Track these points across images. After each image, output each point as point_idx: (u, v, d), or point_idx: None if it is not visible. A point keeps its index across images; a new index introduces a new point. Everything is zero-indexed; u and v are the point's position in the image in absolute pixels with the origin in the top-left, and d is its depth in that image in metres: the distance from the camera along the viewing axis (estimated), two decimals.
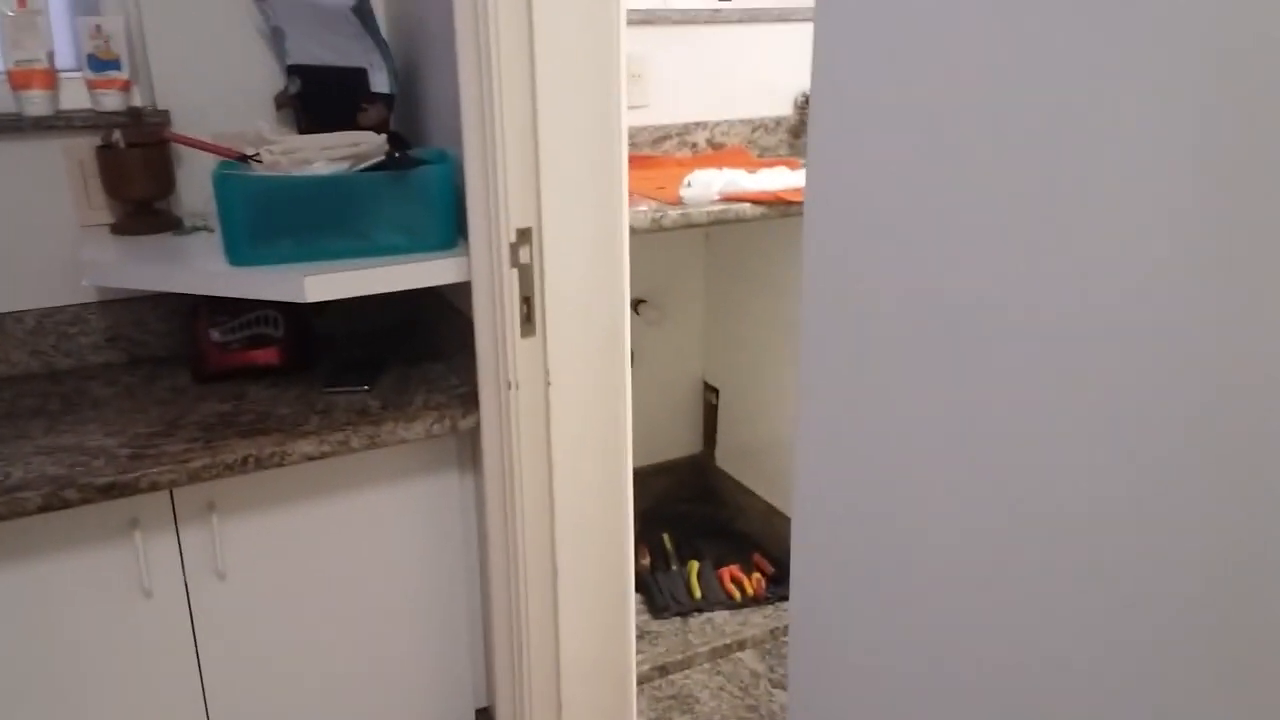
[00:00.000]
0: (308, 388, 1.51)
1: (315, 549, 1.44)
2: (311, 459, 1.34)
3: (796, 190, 1.93)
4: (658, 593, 2.20)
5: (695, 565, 2.28)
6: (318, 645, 1.49)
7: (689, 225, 1.88)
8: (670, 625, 2.13)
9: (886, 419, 0.64)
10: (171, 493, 1.31)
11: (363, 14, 1.44)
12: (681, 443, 2.66)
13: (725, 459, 2.58)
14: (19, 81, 1.47)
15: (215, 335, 1.49)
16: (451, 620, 1.59)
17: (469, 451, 1.52)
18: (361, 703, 1.54)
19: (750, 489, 2.47)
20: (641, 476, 2.55)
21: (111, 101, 1.50)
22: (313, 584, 1.46)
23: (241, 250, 1.32)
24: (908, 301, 0.60)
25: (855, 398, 0.67)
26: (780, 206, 1.91)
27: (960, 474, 0.58)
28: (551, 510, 1.48)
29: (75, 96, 1.52)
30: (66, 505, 1.21)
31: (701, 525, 2.50)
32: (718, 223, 1.90)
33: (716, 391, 2.58)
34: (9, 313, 1.54)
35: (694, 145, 2.40)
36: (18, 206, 1.51)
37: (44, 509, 1.20)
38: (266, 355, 1.52)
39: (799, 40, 2.45)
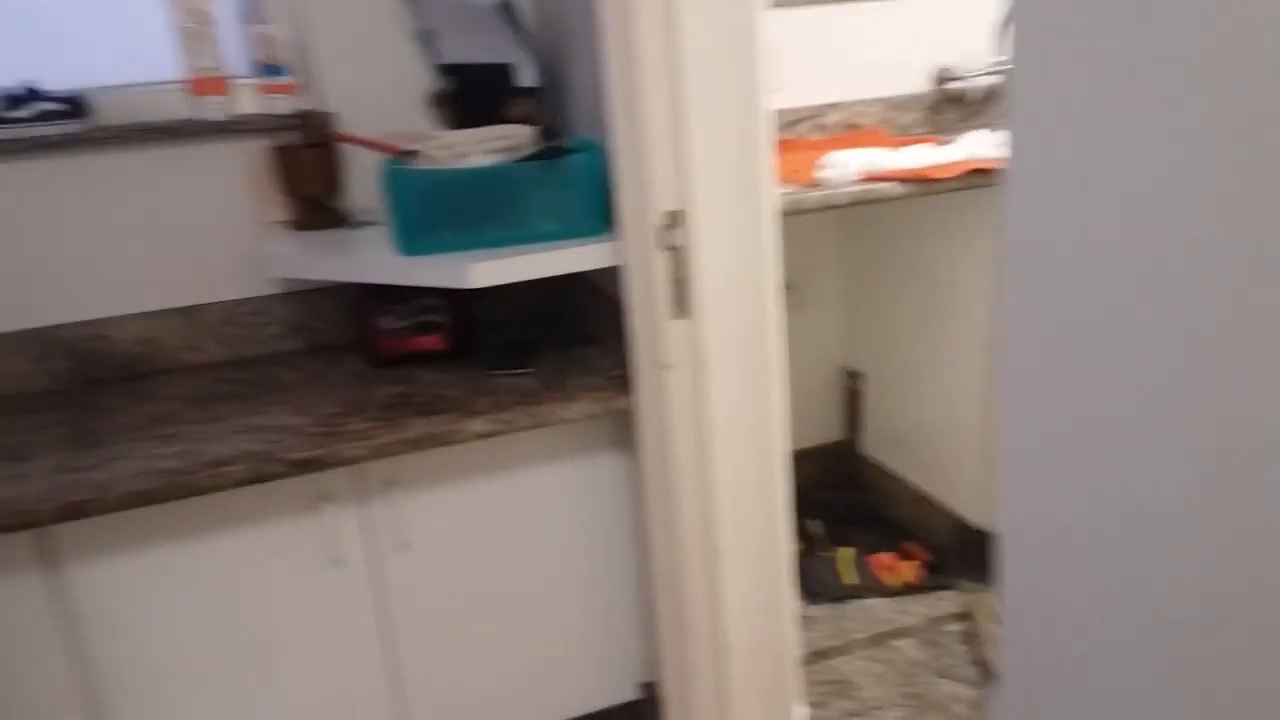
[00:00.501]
0: (472, 371, 1.58)
1: (486, 523, 1.50)
2: (481, 437, 1.39)
3: (940, 167, 1.88)
4: (810, 579, 2.18)
5: (847, 552, 2.25)
6: (491, 614, 1.55)
7: (830, 207, 1.86)
8: (824, 611, 2.11)
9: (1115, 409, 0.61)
10: (357, 468, 1.39)
11: (509, 12, 1.49)
12: (823, 428, 2.62)
13: (871, 445, 2.53)
14: (198, 89, 1.59)
15: (387, 323, 1.57)
16: (615, 595, 1.62)
17: (624, 432, 1.55)
18: (532, 669, 1.60)
19: (899, 475, 2.41)
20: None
21: (282, 105, 1.61)
22: (485, 557, 1.52)
23: (410, 240, 1.38)
24: (1128, 274, 0.58)
25: (1071, 384, 0.64)
26: (924, 184, 1.86)
27: (1198, 468, 0.55)
28: (708, 490, 1.49)
29: (249, 101, 1.64)
30: (268, 478, 1.30)
31: (850, 512, 2.46)
32: (859, 203, 1.87)
33: (858, 376, 2.54)
34: (199, 305, 1.67)
35: (827, 127, 2.37)
36: (202, 206, 1.64)
37: (248, 482, 1.30)
38: (433, 340, 1.60)
39: (935, 15, 2.38)
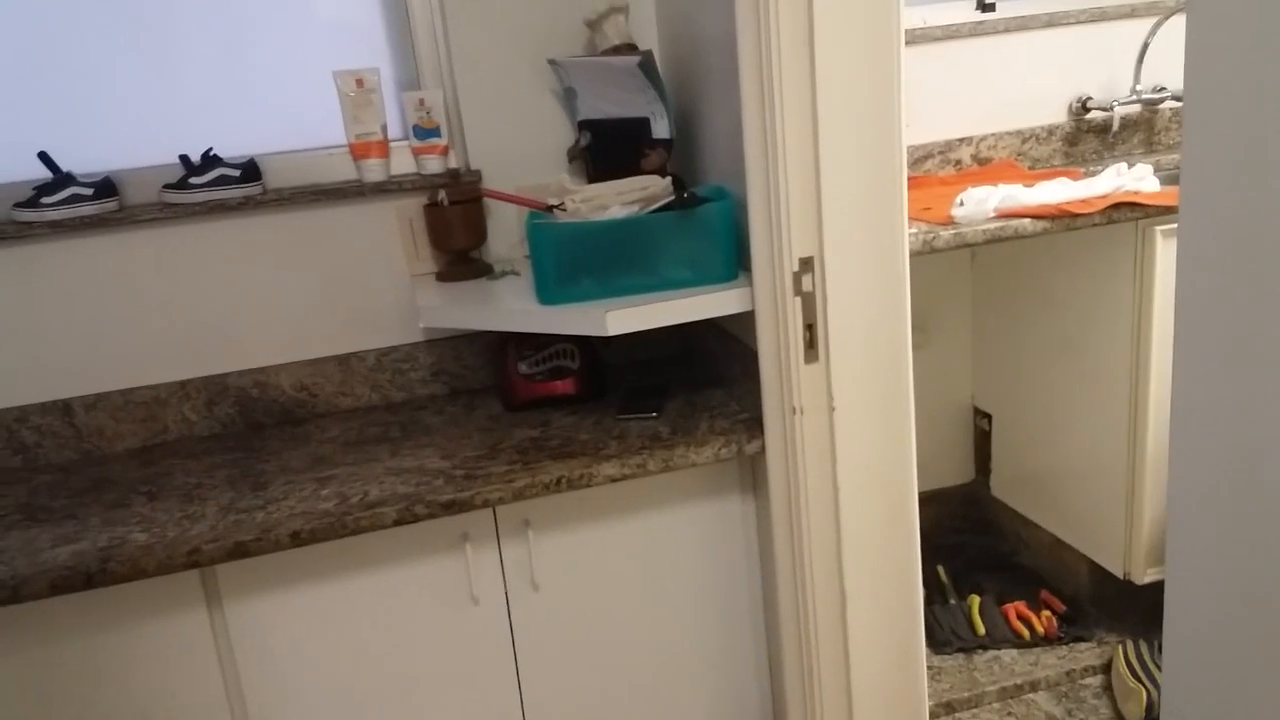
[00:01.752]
0: (602, 415, 1.63)
1: (614, 565, 1.54)
2: (614, 480, 1.44)
3: (1082, 201, 1.83)
4: (937, 627, 2.13)
5: (976, 600, 2.18)
6: (618, 655, 1.58)
7: (963, 245, 1.84)
8: (953, 661, 2.05)
9: None
10: (496, 509, 1.46)
11: (648, 69, 1.55)
12: (952, 470, 2.56)
13: (1002, 488, 2.45)
14: (359, 152, 1.71)
15: (522, 368, 1.65)
16: (739, 640, 1.63)
17: (750, 476, 1.57)
18: (655, 713, 1.62)
19: (1033, 520, 2.33)
20: None
21: (433, 165, 1.72)
22: (610, 598, 1.56)
23: (550, 290, 1.45)
24: None
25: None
26: (1064, 220, 1.81)
27: None
28: (838, 535, 1.48)
29: (402, 162, 1.75)
30: (416, 519, 1.38)
31: (979, 558, 2.39)
32: (994, 240, 1.83)
33: (989, 417, 2.47)
34: (354, 353, 1.79)
35: (958, 162, 2.34)
36: (359, 261, 1.76)
37: (399, 522, 1.38)
38: (566, 386, 1.66)
39: (1069, 44, 2.33)
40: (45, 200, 1.60)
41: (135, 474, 1.61)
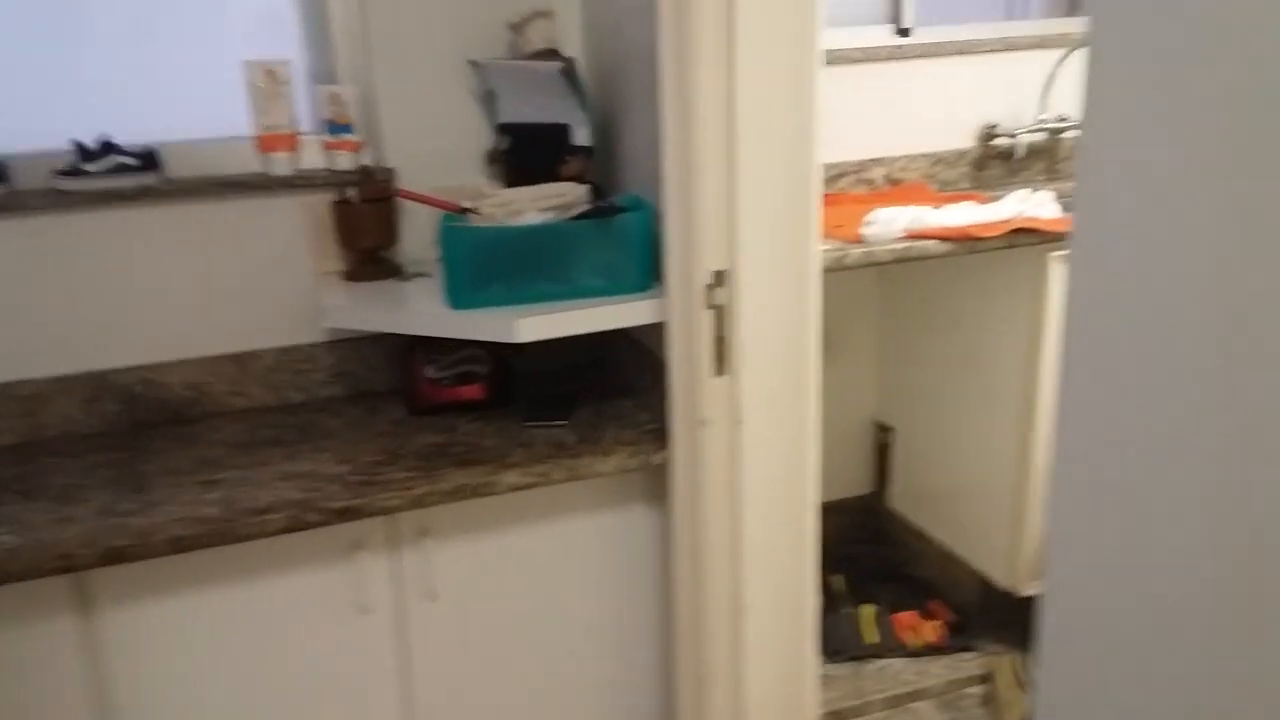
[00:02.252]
0: (509, 422, 1.61)
1: (515, 575, 1.53)
2: (517, 489, 1.42)
3: (985, 226, 1.89)
4: (830, 635, 2.17)
5: (869, 609, 2.24)
6: (516, 665, 1.56)
7: (872, 264, 1.88)
8: (844, 670, 2.10)
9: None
10: (393, 517, 1.42)
11: (570, 76, 1.54)
12: (853, 482, 2.62)
13: (899, 500, 2.53)
14: (267, 145, 1.65)
15: (429, 372, 1.61)
16: (638, 650, 1.63)
17: (656, 486, 1.57)
18: None
19: (926, 533, 2.40)
20: None
21: (345, 161, 1.67)
22: (513, 608, 1.54)
23: (461, 295, 1.42)
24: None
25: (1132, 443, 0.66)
26: (968, 243, 1.88)
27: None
28: (738, 548, 1.50)
29: (313, 157, 1.69)
30: (306, 526, 1.33)
31: (875, 567, 2.46)
32: (902, 260, 1.89)
33: (890, 430, 2.54)
34: (251, 351, 1.72)
35: (871, 182, 2.40)
36: (262, 257, 1.69)
37: (287, 530, 1.33)
38: (473, 391, 1.63)
39: (981, 73, 2.41)
40: None
41: (9, 472, 1.52)
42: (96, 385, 1.66)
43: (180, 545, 1.30)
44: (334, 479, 1.42)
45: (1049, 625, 0.77)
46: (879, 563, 2.48)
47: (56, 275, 1.61)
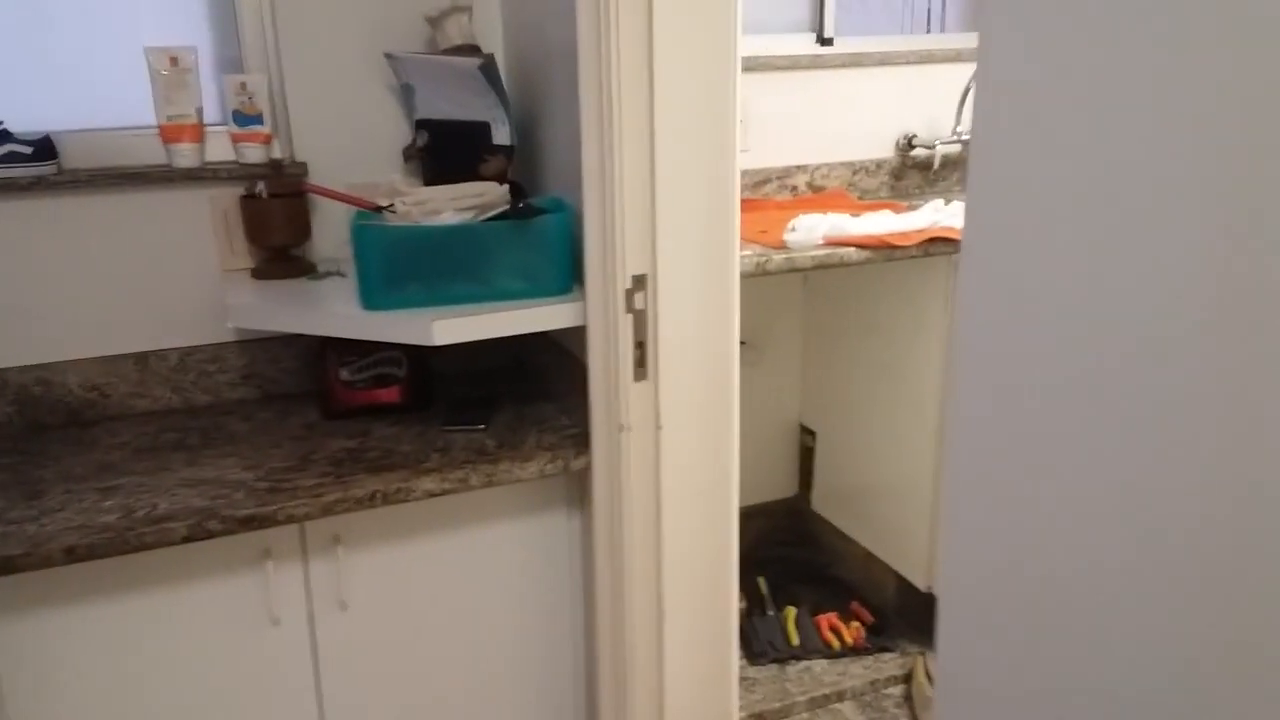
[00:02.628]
0: (427, 426, 1.57)
1: (430, 583, 1.49)
2: (433, 495, 1.39)
3: (901, 234, 1.93)
4: (754, 638, 2.19)
5: (792, 611, 2.26)
6: (430, 676, 1.53)
7: (793, 270, 1.90)
8: (767, 672, 2.11)
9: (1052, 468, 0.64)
10: (303, 525, 1.37)
11: (489, 73, 1.51)
12: (777, 485, 2.64)
13: (822, 503, 2.56)
14: (170, 135, 1.58)
15: (344, 374, 1.56)
16: (558, 656, 1.61)
17: (577, 491, 1.55)
18: None
19: (848, 535, 2.44)
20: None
21: (254, 154, 1.61)
22: (427, 616, 1.50)
23: (375, 296, 1.38)
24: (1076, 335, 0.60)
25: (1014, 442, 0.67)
26: (885, 250, 1.91)
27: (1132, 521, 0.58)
28: (659, 553, 1.49)
29: (220, 149, 1.63)
30: (209, 535, 1.28)
31: (798, 570, 2.48)
32: (822, 266, 1.91)
33: (812, 434, 2.57)
34: (154, 351, 1.64)
35: (794, 188, 2.42)
36: (166, 252, 1.62)
37: (188, 539, 1.27)
38: (390, 394, 1.59)
39: (901, 83, 2.46)
40: None
41: None
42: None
43: (75, 555, 1.23)
44: (240, 485, 1.36)
45: (944, 621, 0.78)
46: (803, 565, 2.51)
47: None
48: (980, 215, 0.66)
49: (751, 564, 2.48)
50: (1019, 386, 0.65)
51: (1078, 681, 0.63)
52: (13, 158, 1.49)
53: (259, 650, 1.41)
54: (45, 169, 1.52)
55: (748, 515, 2.61)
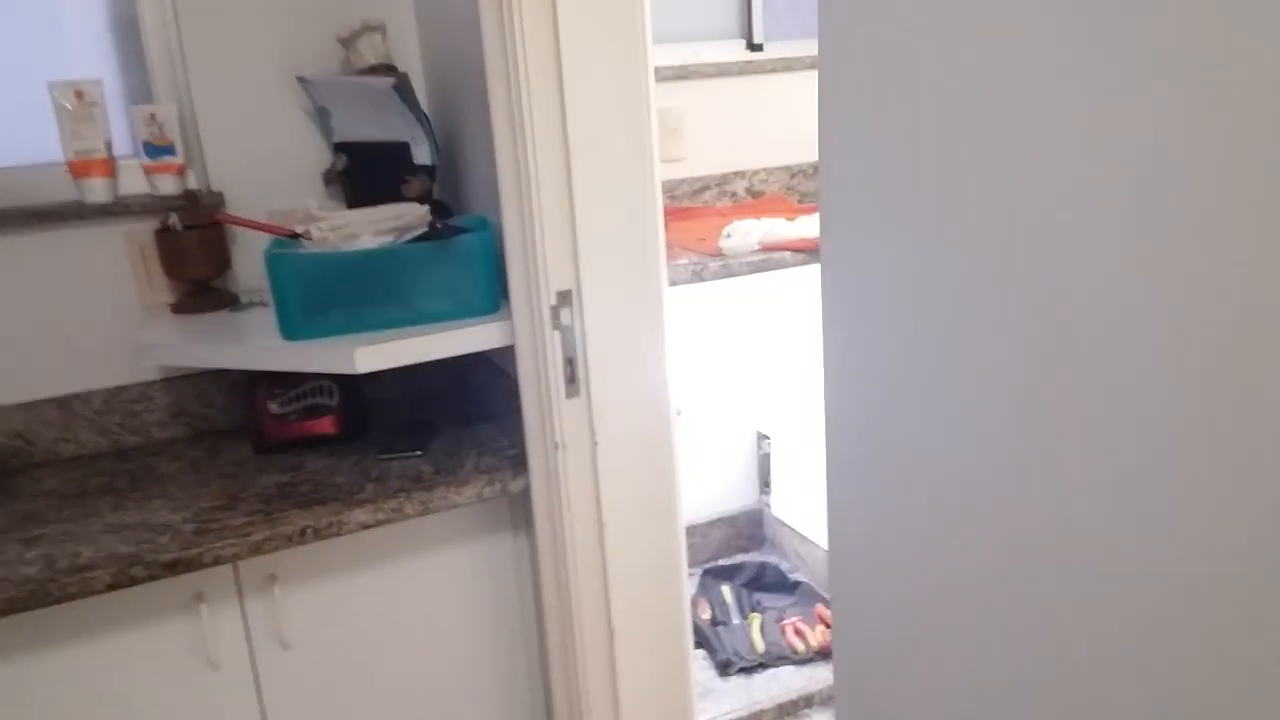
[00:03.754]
0: (363, 454, 1.54)
1: (374, 616, 1.45)
2: (367, 527, 1.35)
3: None
4: (720, 648, 2.16)
5: (757, 619, 2.24)
6: (381, 709, 1.49)
7: (729, 276, 1.89)
8: (734, 682, 2.09)
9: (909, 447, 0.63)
10: (235, 565, 1.33)
11: (403, 92, 1.49)
12: (738, 493, 2.63)
13: (781, 508, 2.54)
14: (79, 171, 1.54)
15: (274, 407, 1.53)
16: (511, 683, 1.58)
17: (519, 513, 1.53)
18: None
19: (809, 538, 2.43)
20: (700, 530, 2.53)
21: (168, 185, 1.57)
22: (373, 651, 1.46)
23: (294, 326, 1.35)
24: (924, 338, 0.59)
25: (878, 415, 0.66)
26: (817, 254, 1.90)
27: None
28: (604, 570, 1.47)
29: (133, 182, 1.59)
30: (134, 582, 1.23)
31: (762, 577, 2.46)
32: (758, 271, 1.90)
33: (768, 439, 2.56)
34: (77, 394, 1.60)
35: (734, 194, 2.42)
36: (82, 291, 1.58)
37: (113, 587, 1.23)
38: (323, 425, 1.55)
39: None
40: None
41: None
42: None
43: None
44: (165, 529, 1.32)
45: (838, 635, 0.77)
46: (767, 571, 2.49)
47: None
48: (832, 218, 0.66)
49: (716, 574, 2.46)
50: (869, 383, 0.64)
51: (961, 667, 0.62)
52: None
53: (202, 696, 1.36)
54: None
55: (710, 525, 2.60)
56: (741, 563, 2.53)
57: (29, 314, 1.56)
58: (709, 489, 2.58)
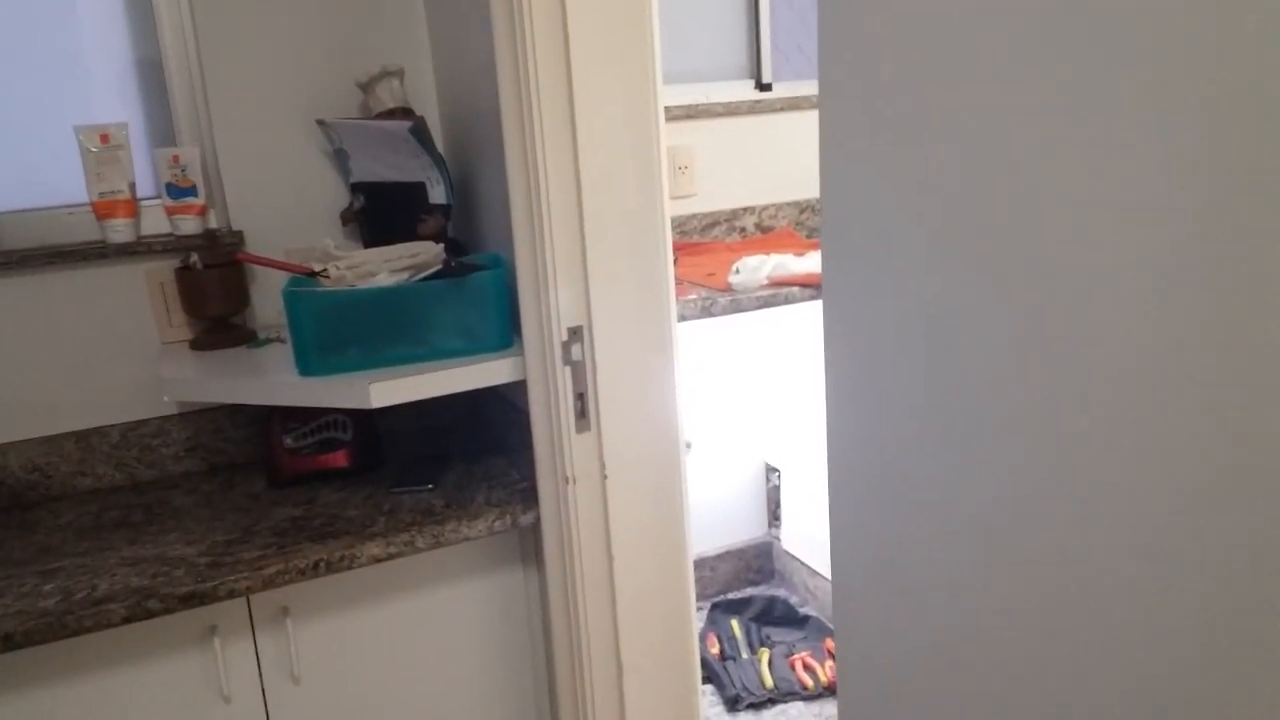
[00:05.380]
0: (376, 488, 1.56)
1: (385, 649, 1.46)
2: (379, 560, 1.37)
3: None
4: (729, 683, 2.16)
5: (766, 653, 2.23)
6: None
7: (738, 311, 1.91)
8: (743, 718, 2.08)
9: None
10: (248, 598, 1.35)
11: (420, 134, 1.53)
12: (748, 526, 2.63)
13: (791, 541, 2.54)
14: (103, 212, 1.58)
15: (288, 441, 1.55)
16: (520, 717, 1.58)
17: (530, 547, 1.54)
18: None
19: (819, 571, 2.42)
20: (708, 563, 2.53)
21: (189, 225, 1.61)
22: (383, 684, 1.47)
23: (310, 362, 1.38)
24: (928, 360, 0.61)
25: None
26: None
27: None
28: (614, 605, 1.48)
29: (154, 222, 1.63)
30: (150, 615, 1.25)
31: (771, 611, 2.46)
32: (767, 306, 1.92)
33: (776, 472, 2.56)
34: (96, 428, 1.63)
35: (743, 230, 2.45)
36: (104, 328, 1.61)
37: (128, 620, 1.25)
38: (336, 459, 1.57)
39: None
40: None
41: None
42: None
43: (11, 643, 1.20)
44: (180, 562, 1.34)
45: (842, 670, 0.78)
46: (776, 605, 2.48)
47: None
48: (833, 249, 0.68)
49: (725, 608, 2.46)
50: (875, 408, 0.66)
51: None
52: None
53: None
54: None
55: (718, 559, 2.60)
56: (750, 596, 2.53)
57: (51, 350, 1.59)
58: (718, 522, 2.58)
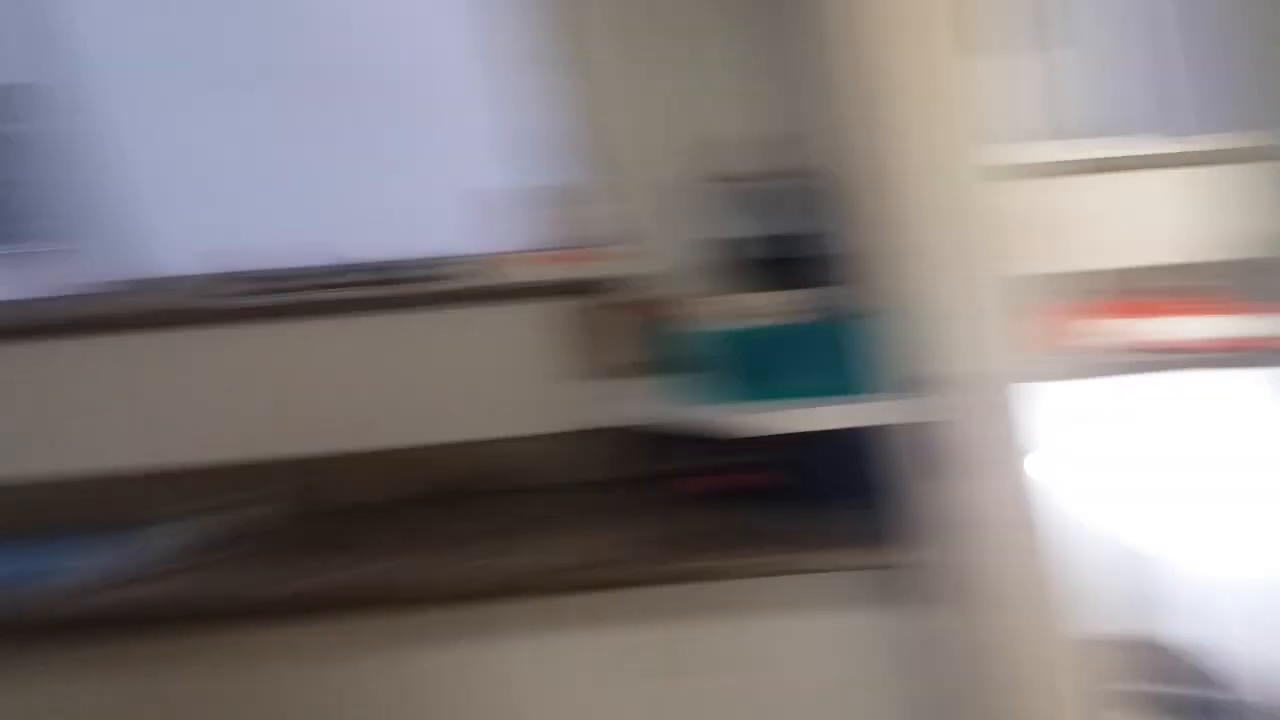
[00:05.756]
0: (751, 510, 1.66)
1: (727, 666, 1.55)
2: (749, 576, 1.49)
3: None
4: None
5: None
6: None
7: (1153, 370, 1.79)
8: None
9: None
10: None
11: (816, 190, 1.67)
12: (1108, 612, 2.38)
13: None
14: (541, 259, 1.94)
15: (685, 463, 1.73)
16: None
17: (892, 588, 1.53)
18: None
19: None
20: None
21: (607, 269, 1.90)
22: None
23: (711, 392, 1.55)
24: None
25: None
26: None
27: None
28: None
29: (553, 268, 1.97)
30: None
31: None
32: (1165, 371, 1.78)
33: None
34: (522, 436, 1.98)
35: (1115, 292, 2.28)
36: (525, 354, 1.97)
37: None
38: (726, 480, 1.72)
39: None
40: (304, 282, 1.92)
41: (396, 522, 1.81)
42: (398, 461, 1.97)
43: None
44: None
45: None
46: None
47: (360, 367, 1.97)
48: None
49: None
50: None
51: None
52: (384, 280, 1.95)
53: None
54: (421, 287, 1.95)
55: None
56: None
57: (483, 373, 1.98)
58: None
